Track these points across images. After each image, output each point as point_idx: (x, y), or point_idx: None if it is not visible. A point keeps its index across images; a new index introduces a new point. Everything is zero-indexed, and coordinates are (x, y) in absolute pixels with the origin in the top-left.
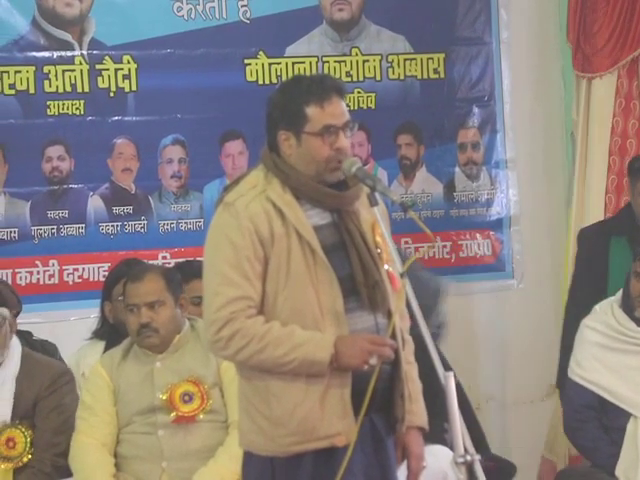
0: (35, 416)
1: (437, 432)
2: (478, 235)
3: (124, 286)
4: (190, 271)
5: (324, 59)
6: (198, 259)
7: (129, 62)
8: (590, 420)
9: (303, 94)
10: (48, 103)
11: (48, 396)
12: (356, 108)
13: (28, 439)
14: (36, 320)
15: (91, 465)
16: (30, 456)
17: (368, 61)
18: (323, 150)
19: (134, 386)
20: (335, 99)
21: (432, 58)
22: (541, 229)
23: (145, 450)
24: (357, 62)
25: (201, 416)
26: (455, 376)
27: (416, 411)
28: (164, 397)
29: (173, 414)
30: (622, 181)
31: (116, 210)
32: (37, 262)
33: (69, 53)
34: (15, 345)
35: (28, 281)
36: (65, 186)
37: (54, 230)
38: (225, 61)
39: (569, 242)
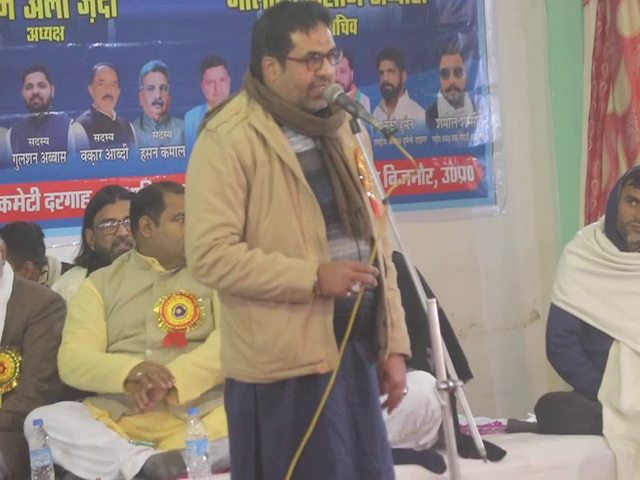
0: (24, 341)
1: (420, 357)
2: (460, 161)
3: (161, 196)
4: None
5: None
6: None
7: None
8: (573, 345)
9: (289, 20)
10: (28, 29)
11: (38, 322)
12: (338, 34)
13: (17, 364)
14: None
15: (92, 355)
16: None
17: None
18: (307, 76)
19: (130, 299)
20: (321, 26)
21: None
22: (523, 155)
23: None
24: None
25: (191, 330)
26: (437, 302)
27: (398, 338)
28: (156, 309)
29: (163, 328)
30: (598, 105)
31: (97, 137)
32: (18, 189)
33: None
34: (7, 271)
35: (9, 208)
36: (46, 113)
37: (35, 157)
38: None
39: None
